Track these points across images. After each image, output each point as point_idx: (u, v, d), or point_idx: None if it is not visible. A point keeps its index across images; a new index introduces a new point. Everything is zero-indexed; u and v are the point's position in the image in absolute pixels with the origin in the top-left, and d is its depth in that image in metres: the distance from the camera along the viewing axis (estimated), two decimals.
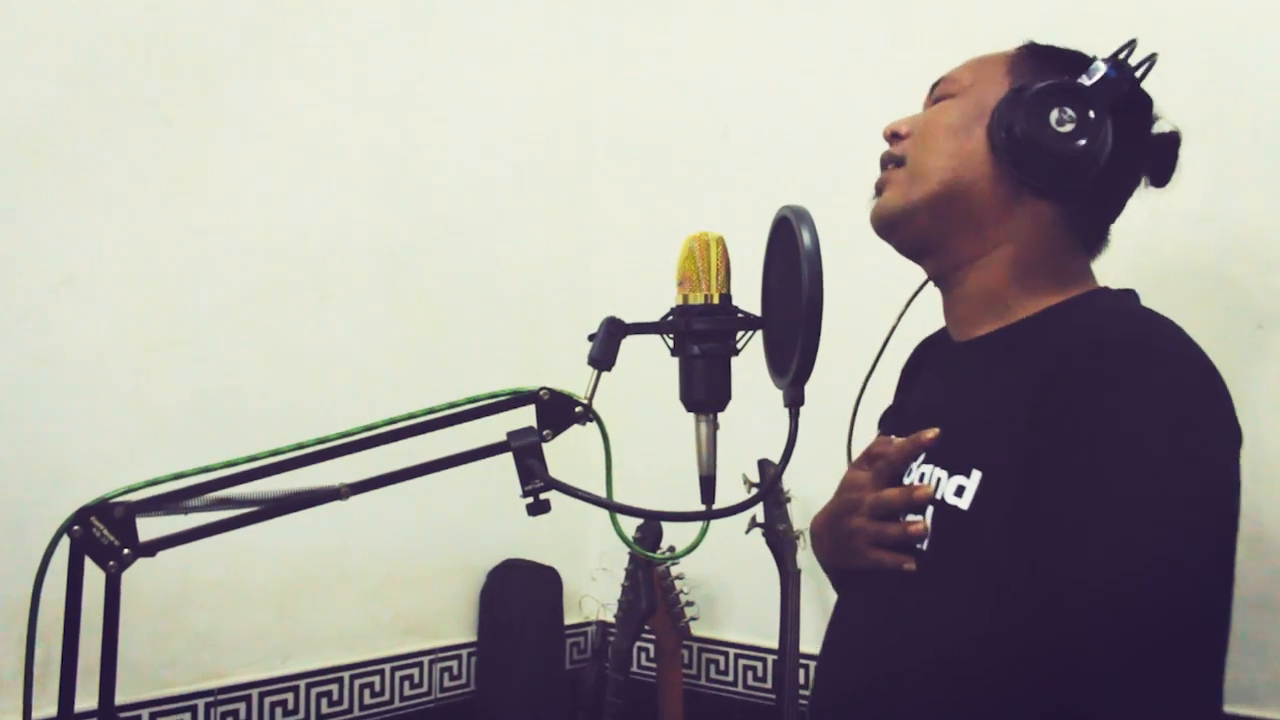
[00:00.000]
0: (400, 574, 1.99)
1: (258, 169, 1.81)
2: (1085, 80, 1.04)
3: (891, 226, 1.13)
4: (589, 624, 2.26)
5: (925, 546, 1.01)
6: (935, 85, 1.15)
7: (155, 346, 1.69)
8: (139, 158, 1.67)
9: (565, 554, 2.17)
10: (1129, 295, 1.08)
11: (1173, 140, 1.12)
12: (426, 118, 2.06)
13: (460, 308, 2.10)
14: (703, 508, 0.96)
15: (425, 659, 2.01)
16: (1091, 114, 1.02)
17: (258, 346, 1.81)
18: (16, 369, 1.56)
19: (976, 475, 0.97)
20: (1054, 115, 1.02)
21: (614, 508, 0.93)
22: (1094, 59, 1.08)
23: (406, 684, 1.97)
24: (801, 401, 0.94)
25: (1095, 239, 1.12)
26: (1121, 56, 1.08)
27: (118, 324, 1.65)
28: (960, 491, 0.98)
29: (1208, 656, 0.90)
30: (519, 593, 2.08)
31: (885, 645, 1.04)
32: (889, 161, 1.14)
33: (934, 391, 1.17)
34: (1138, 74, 1.08)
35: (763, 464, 1.80)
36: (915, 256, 1.16)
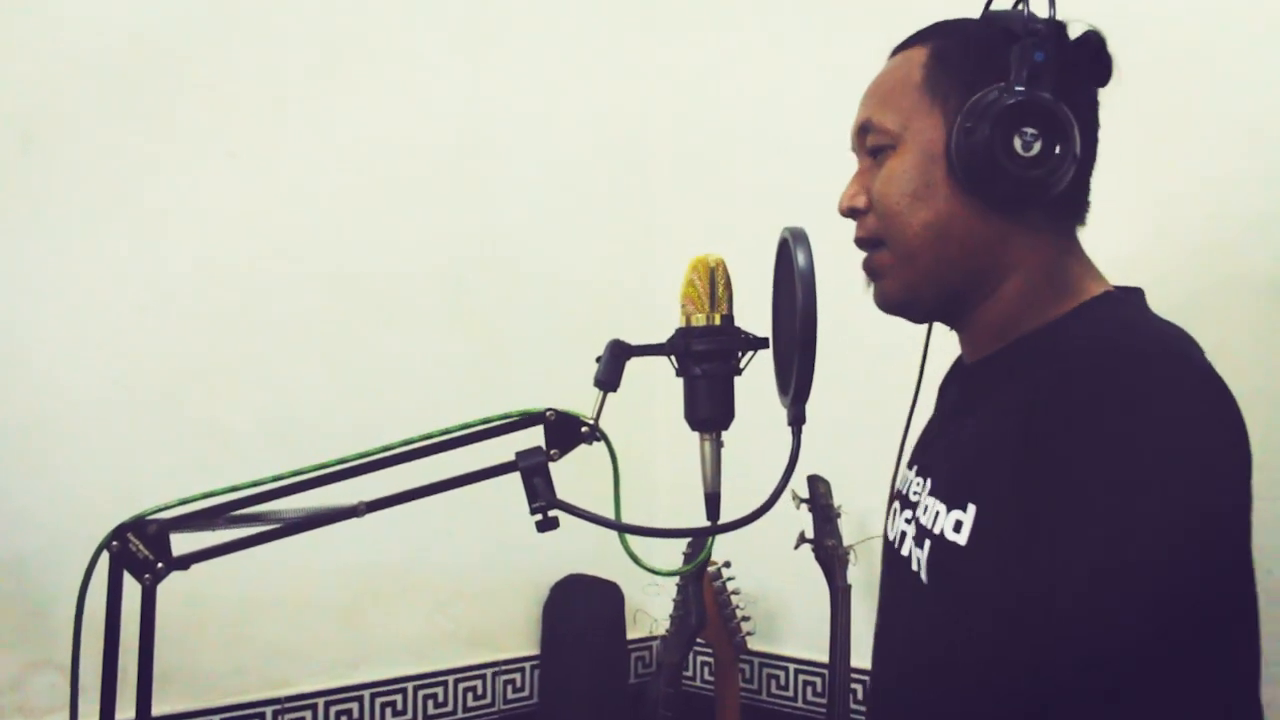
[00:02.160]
0: (465, 587, 2.05)
1: (321, 197, 1.89)
2: (1020, 75, 0.95)
3: (902, 310, 1.08)
4: (652, 638, 2.29)
5: (926, 579, 0.99)
6: (862, 134, 1.08)
7: (226, 369, 1.78)
8: (208, 190, 1.77)
9: (627, 569, 2.17)
10: (1132, 297, 1.01)
11: (1095, 40, 1.01)
12: (486, 142, 2.12)
13: (523, 329, 2.15)
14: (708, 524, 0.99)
15: (488, 671, 2.06)
16: (1046, 119, 0.95)
17: (324, 368, 1.88)
18: (97, 394, 1.66)
19: (971, 509, 0.94)
20: (1018, 143, 0.95)
21: (615, 526, 0.96)
22: (1004, 34, 0.98)
23: (470, 695, 2.03)
24: (803, 420, 0.95)
25: (1079, 207, 1.04)
26: (1026, 14, 0.97)
27: (190, 348, 1.74)
28: (958, 526, 0.95)
29: (1212, 676, 0.85)
30: (581, 607, 2.12)
31: (904, 655, 1.06)
32: (868, 245, 1.08)
33: (946, 414, 1.14)
34: (1048, 14, 0.99)
35: (812, 479, 1.80)
36: (931, 321, 1.13)
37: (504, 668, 2.08)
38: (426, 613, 2.00)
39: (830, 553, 1.77)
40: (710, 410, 0.97)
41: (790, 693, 2.08)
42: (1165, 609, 0.83)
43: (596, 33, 2.31)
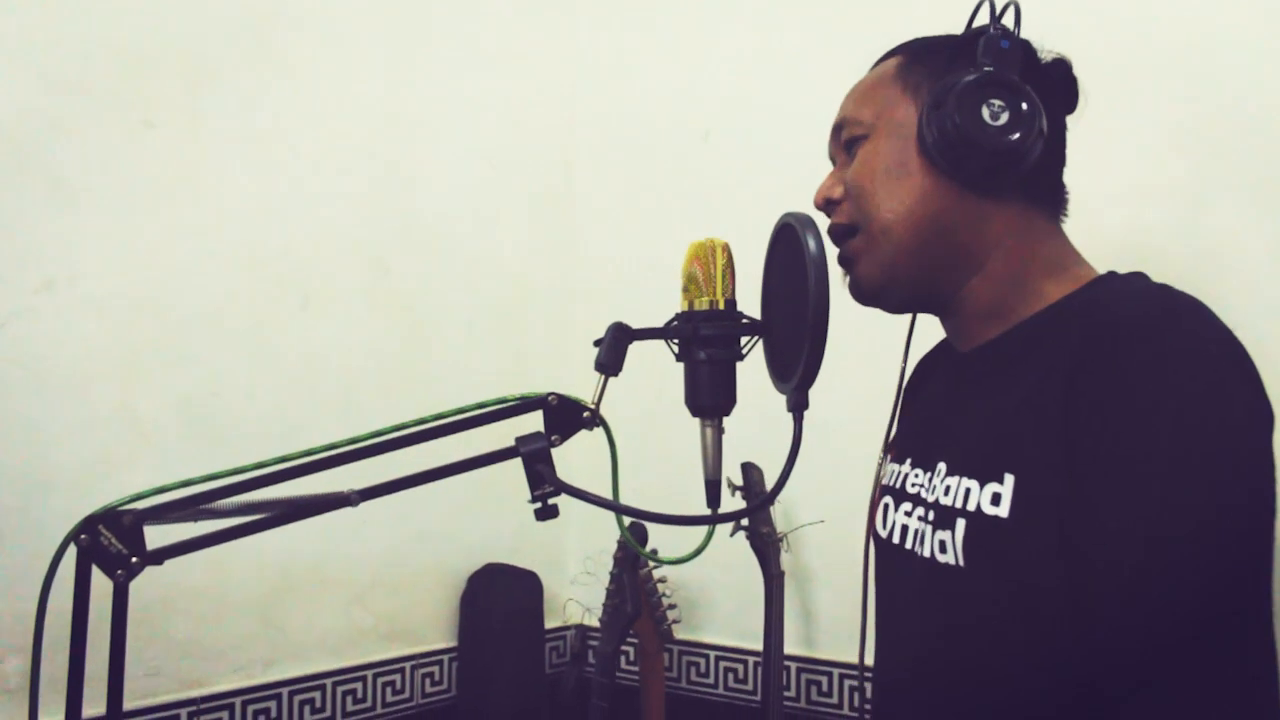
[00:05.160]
0: (381, 580, 1.99)
1: (241, 173, 1.80)
2: (987, 61, 0.99)
3: (878, 296, 1.08)
4: (568, 628, 2.27)
5: (961, 562, 0.97)
6: (838, 132, 1.10)
7: (139, 352, 1.67)
8: (121, 161, 1.66)
9: (545, 559, 2.18)
10: (1140, 276, 1.01)
11: (1065, 65, 1.06)
12: (410, 123, 2.06)
13: (443, 311, 2.10)
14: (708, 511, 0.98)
15: (407, 665, 2.00)
16: (1012, 92, 0.97)
17: (242, 351, 1.79)
18: None
19: (1010, 479, 0.93)
20: (986, 112, 0.96)
21: (623, 511, 0.94)
22: (974, 35, 1.02)
23: (388, 690, 1.97)
24: (806, 406, 0.95)
25: (1058, 199, 1.07)
26: (993, 21, 1.02)
27: (101, 329, 1.64)
28: (997, 499, 0.94)
29: (1238, 639, 0.87)
30: (499, 597, 2.08)
31: (933, 648, 1.02)
32: (842, 234, 1.08)
33: (941, 403, 1.13)
34: (1013, 26, 1.02)
35: (746, 467, 1.81)
36: (909, 310, 1.14)
37: (422, 661, 2.03)
38: (343, 607, 1.93)
39: (765, 540, 1.78)
40: (713, 396, 0.96)
41: (711, 679, 2.09)
42: (1213, 572, 0.85)
43: (522, 19, 2.27)
